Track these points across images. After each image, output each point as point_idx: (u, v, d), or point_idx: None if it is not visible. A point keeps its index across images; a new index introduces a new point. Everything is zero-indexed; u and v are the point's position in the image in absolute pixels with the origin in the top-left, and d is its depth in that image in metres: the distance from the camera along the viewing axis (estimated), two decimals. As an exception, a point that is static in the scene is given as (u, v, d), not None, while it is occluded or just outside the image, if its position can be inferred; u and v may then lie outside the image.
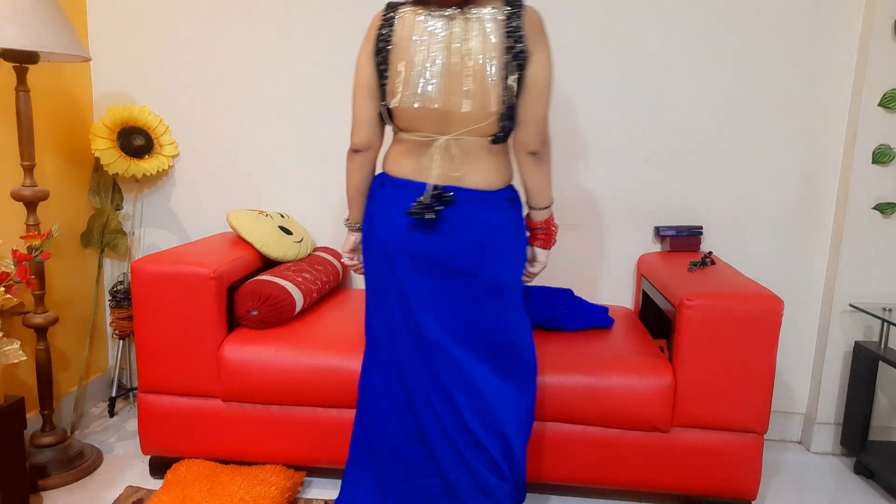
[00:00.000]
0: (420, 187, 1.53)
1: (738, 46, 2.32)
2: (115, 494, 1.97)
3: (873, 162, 2.26)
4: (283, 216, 2.42)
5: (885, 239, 2.30)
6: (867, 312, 2.23)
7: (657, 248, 2.48)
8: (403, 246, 1.56)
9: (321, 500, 1.96)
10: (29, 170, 1.97)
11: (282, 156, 2.53)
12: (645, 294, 2.35)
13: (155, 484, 2.02)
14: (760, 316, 1.80)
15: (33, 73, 1.95)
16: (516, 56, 1.44)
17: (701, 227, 2.40)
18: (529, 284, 1.72)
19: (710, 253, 2.25)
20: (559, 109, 2.40)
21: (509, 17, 1.44)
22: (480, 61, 1.45)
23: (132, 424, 2.41)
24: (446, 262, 1.55)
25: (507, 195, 1.60)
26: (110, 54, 2.50)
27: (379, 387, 1.67)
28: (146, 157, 2.45)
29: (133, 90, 2.52)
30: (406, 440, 1.64)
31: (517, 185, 1.66)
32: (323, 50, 2.44)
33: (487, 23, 1.44)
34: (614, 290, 2.51)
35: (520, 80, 1.47)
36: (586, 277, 2.50)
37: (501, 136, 1.53)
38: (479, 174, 1.54)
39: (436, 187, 1.51)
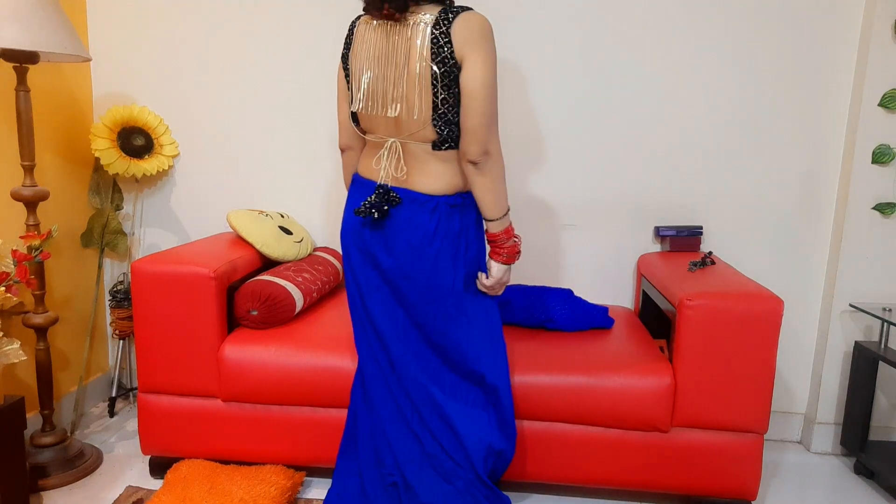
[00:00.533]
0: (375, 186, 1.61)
1: (737, 46, 2.32)
2: (115, 494, 1.97)
3: (873, 162, 2.26)
4: (283, 216, 2.42)
5: (885, 239, 2.30)
6: (867, 312, 2.23)
7: (657, 248, 2.48)
8: (355, 242, 1.67)
9: (321, 500, 1.95)
10: (29, 170, 1.97)
11: (282, 156, 2.53)
12: (645, 294, 2.35)
13: (155, 484, 2.02)
14: (760, 316, 1.80)
15: (33, 73, 1.95)
16: (442, 62, 1.46)
17: (701, 227, 2.40)
18: (493, 294, 1.71)
19: (710, 253, 2.25)
20: (559, 109, 2.41)
21: (436, 24, 1.46)
22: (411, 68, 1.49)
23: (132, 424, 2.41)
24: (388, 261, 1.62)
25: (452, 201, 1.60)
26: (110, 54, 2.49)
27: (360, 376, 1.79)
28: (146, 157, 2.45)
29: (133, 90, 2.52)
30: (371, 429, 1.74)
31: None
32: (323, 50, 2.44)
33: (420, 30, 1.47)
34: (614, 290, 2.51)
35: (456, 92, 1.49)
36: (586, 277, 2.50)
37: (439, 143, 1.55)
38: (422, 178, 1.58)
39: (382, 187, 1.58)
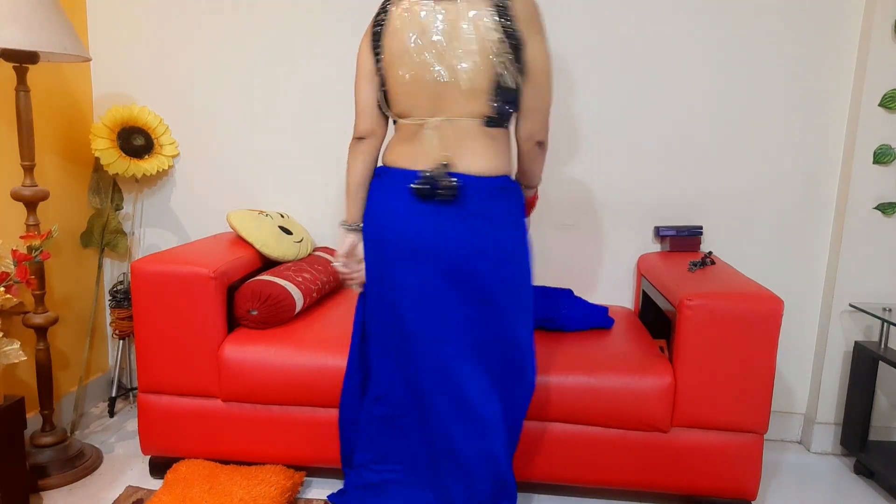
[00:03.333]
0: (414, 175, 1.51)
1: (738, 46, 2.32)
2: (115, 494, 1.97)
3: (874, 162, 2.26)
4: (283, 216, 2.42)
5: (886, 239, 2.30)
6: (867, 312, 2.23)
7: (657, 248, 2.48)
8: (397, 235, 1.55)
9: (321, 500, 1.96)
10: (29, 170, 1.97)
11: (282, 156, 2.53)
12: (645, 294, 2.35)
13: (155, 484, 2.02)
14: (760, 316, 1.80)
15: (33, 73, 1.95)
16: (507, 37, 1.43)
17: (701, 227, 2.40)
18: None
19: (710, 253, 2.25)
20: (559, 108, 2.40)
21: (498, 1, 1.44)
22: (470, 42, 1.44)
23: (132, 424, 2.41)
24: (439, 254, 1.52)
25: (502, 184, 1.55)
26: (110, 54, 2.50)
27: (360, 375, 1.74)
28: (146, 157, 2.45)
29: (133, 90, 2.52)
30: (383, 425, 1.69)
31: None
32: (323, 50, 2.44)
33: (477, 5, 1.44)
34: (614, 290, 2.51)
35: (518, 68, 1.46)
36: (586, 277, 2.50)
37: (495, 119, 1.50)
38: (472, 158, 1.51)
39: (441, 166, 1.49)
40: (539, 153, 1.60)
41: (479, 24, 1.44)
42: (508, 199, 1.57)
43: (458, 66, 1.46)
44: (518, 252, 1.58)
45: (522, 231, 1.60)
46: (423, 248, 1.53)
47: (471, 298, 1.54)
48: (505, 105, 1.49)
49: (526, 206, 1.68)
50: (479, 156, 1.51)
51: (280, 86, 2.48)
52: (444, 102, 1.50)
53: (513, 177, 1.63)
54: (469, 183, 1.50)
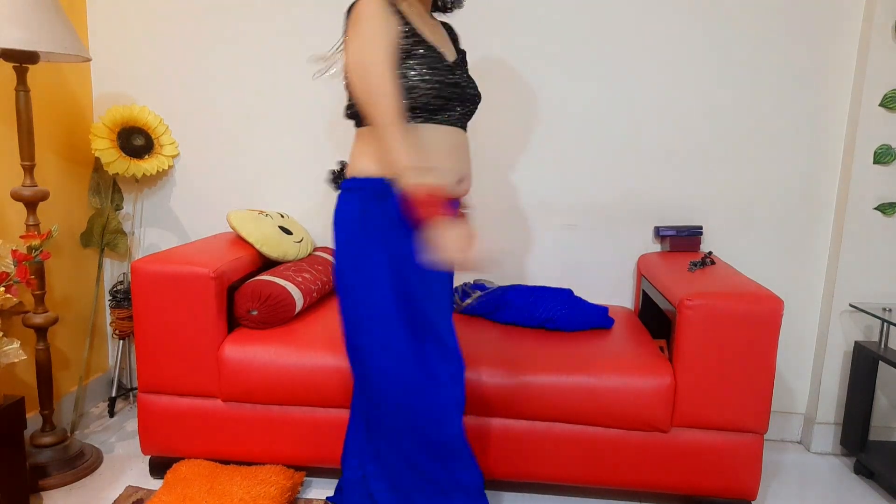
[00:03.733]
0: None
1: (738, 46, 2.32)
2: (115, 494, 1.97)
3: (874, 162, 2.26)
4: (283, 216, 2.42)
5: (886, 239, 2.30)
6: (867, 312, 2.23)
7: (657, 248, 2.48)
8: None
9: (321, 500, 1.96)
10: (29, 170, 1.97)
11: (282, 156, 2.53)
12: (645, 294, 2.35)
13: (155, 484, 2.02)
14: (760, 316, 1.80)
15: (33, 73, 1.96)
16: (342, 43, 1.58)
17: (701, 227, 2.40)
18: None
19: (710, 253, 2.25)
20: (560, 109, 2.41)
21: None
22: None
23: (132, 424, 2.41)
24: None
25: (349, 185, 1.54)
26: (110, 54, 2.50)
27: None
28: (146, 157, 2.45)
29: (133, 90, 2.52)
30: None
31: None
32: (323, 49, 2.43)
33: None
34: (614, 290, 2.51)
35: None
36: (586, 277, 2.50)
37: (355, 119, 1.57)
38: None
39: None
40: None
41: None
42: (347, 199, 1.54)
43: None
44: (341, 259, 1.54)
45: (351, 235, 1.52)
46: None
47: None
48: (354, 108, 1.54)
49: (413, 209, 1.37)
50: (351, 156, 1.59)
51: (280, 86, 2.48)
52: None
53: (376, 176, 1.49)
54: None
